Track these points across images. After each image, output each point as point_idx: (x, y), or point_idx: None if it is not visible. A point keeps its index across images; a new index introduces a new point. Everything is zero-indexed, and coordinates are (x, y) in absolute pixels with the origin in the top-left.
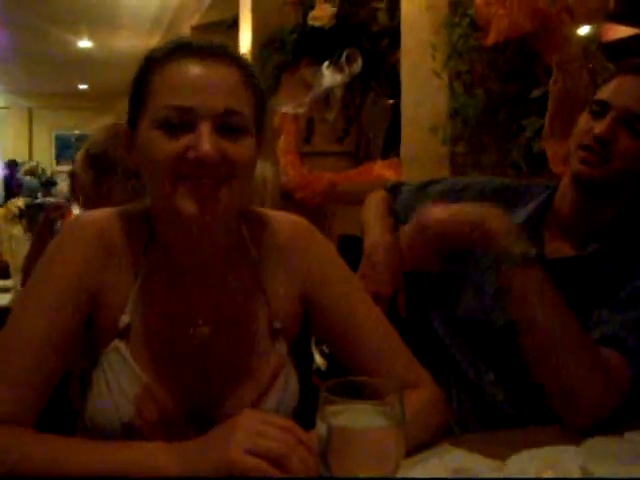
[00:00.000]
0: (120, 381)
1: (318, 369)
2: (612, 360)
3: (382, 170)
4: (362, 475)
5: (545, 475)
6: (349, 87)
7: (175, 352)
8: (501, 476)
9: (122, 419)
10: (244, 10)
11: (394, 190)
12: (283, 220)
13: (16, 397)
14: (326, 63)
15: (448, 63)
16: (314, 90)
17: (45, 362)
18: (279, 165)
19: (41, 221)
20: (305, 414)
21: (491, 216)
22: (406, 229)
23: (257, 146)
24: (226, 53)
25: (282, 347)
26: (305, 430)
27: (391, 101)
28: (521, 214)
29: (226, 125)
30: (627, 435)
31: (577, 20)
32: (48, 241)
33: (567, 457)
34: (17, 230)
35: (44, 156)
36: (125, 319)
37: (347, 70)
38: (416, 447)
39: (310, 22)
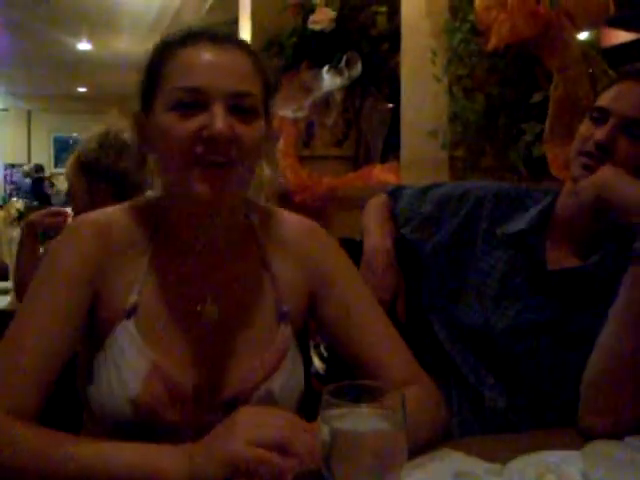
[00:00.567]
0: (128, 359)
1: (317, 373)
2: None
3: (381, 174)
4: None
5: (545, 479)
6: (349, 91)
7: (182, 330)
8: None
9: (130, 396)
10: (243, 13)
11: (395, 194)
12: (293, 217)
13: (23, 389)
14: (326, 67)
15: (448, 68)
16: (314, 94)
17: (50, 355)
18: (278, 168)
19: (23, 229)
20: (307, 417)
21: None
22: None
23: (265, 129)
24: (236, 39)
25: (287, 330)
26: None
27: (390, 105)
28: (522, 220)
29: (237, 106)
30: (627, 440)
31: (577, 25)
32: (32, 250)
33: (568, 461)
34: (16, 233)
35: (43, 158)
36: (132, 299)
37: (347, 74)
38: (414, 443)
39: (310, 26)
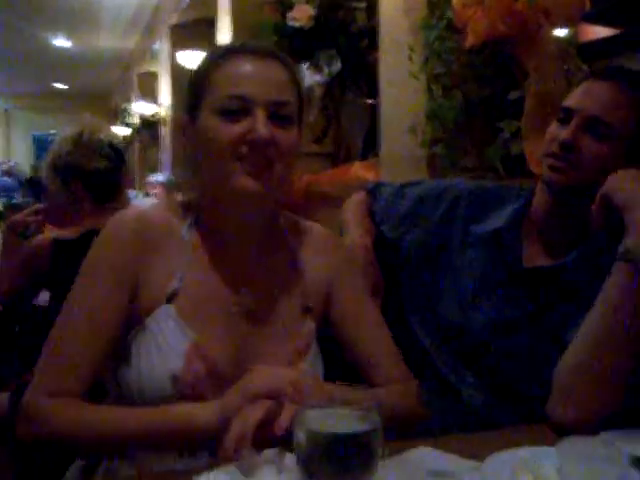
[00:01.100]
0: (168, 338)
1: None
2: None
3: (361, 171)
4: None
5: (522, 475)
6: (328, 88)
7: (218, 316)
8: (478, 476)
9: (172, 371)
10: (222, 10)
11: (373, 192)
12: (314, 225)
13: (67, 374)
14: (305, 64)
15: (426, 65)
16: None
17: (95, 342)
18: None
19: (5, 231)
20: None
21: None
22: None
23: (299, 136)
24: (275, 53)
25: (311, 324)
26: None
27: (370, 101)
28: (498, 218)
29: (276, 113)
30: (602, 435)
31: (554, 23)
32: (14, 249)
33: (543, 457)
34: None
35: (22, 157)
36: (173, 285)
37: (326, 70)
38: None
39: (289, 22)
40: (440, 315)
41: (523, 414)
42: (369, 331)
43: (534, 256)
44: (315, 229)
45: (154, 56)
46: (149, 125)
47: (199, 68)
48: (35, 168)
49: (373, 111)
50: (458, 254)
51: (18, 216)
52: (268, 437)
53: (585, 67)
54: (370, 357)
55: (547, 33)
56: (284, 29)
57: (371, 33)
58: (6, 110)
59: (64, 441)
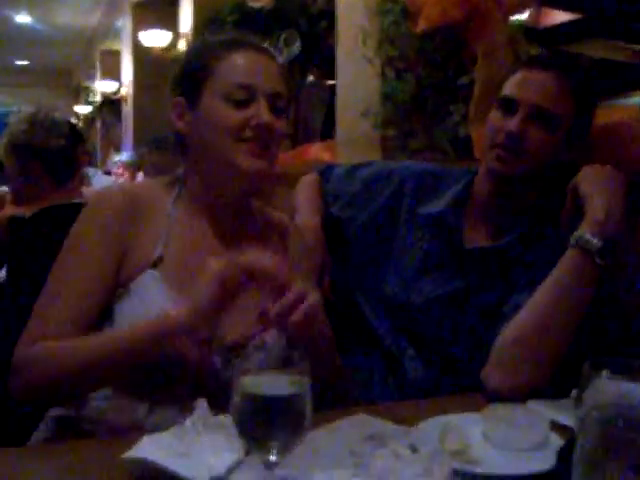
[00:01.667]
0: (153, 298)
1: None
2: None
3: (318, 152)
4: None
5: (448, 438)
6: (288, 69)
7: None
8: (407, 440)
9: None
10: None
11: (325, 173)
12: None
13: (60, 324)
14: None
15: (380, 49)
16: None
17: (87, 296)
18: None
19: None
20: None
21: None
22: None
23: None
24: (271, 50)
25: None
26: None
27: (330, 82)
28: (441, 201)
29: (274, 104)
30: (529, 403)
31: (505, 9)
32: None
33: (470, 423)
34: None
35: None
36: (157, 252)
37: (285, 52)
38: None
39: (249, 3)
40: (385, 292)
41: (462, 385)
42: None
43: (475, 237)
44: (277, 216)
45: (117, 34)
46: (112, 103)
47: (198, 56)
48: None
49: (333, 92)
50: (404, 234)
51: None
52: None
53: (534, 52)
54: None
55: (497, 19)
56: (245, 10)
57: (331, 15)
58: None
59: (53, 378)
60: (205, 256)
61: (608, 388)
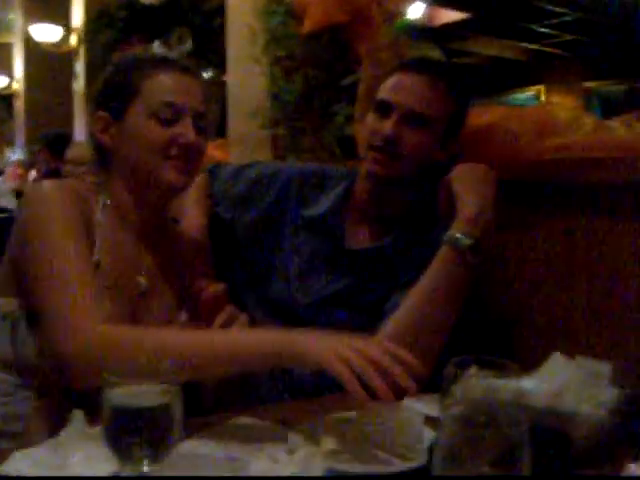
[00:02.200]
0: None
1: None
2: None
3: (212, 151)
4: None
5: (325, 439)
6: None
7: (124, 292)
8: (286, 443)
9: None
10: None
11: (213, 172)
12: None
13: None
14: (157, 41)
15: (267, 48)
16: None
17: (92, 282)
18: None
19: None
20: None
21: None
22: None
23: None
24: (196, 70)
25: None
26: None
27: (225, 79)
28: (325, 202)
29: (198, 123)
30: (406, 400)
31: (387, 12)
32: None
33: (347, 422)
34: None
35: None
36: (95, 256)
37: (178, 49)
38: None
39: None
40: (270, 293)
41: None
42: None
43: (357, 238)
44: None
45: (8, 27)
46: (3, 98)
47: (124, 73)
48: None
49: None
50: (289, 236)
51: None
52: None
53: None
54: None
55: (379, 21)
56: (135, 6)
57: (224, 12)
58: None
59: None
60: (128, 269)
61: (473, 385)
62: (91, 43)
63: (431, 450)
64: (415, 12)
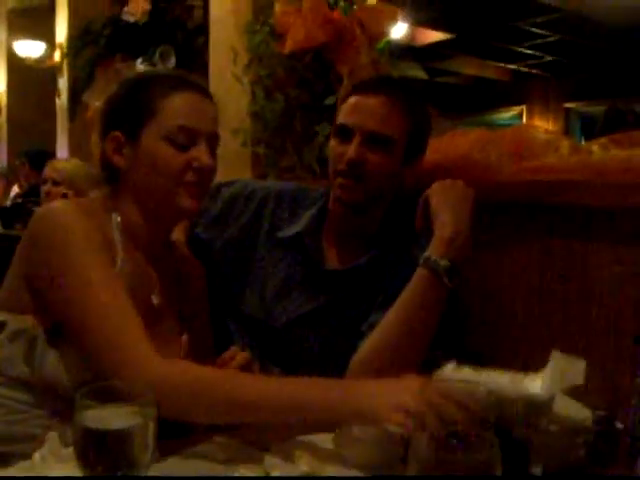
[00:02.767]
0: None
1: None
2: None
3: None
4: None
5: (300, 458)
6: None
7: (140, 309)
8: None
9: None
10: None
11: None
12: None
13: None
14: (140, 59)
15: (250, 68)
16: None
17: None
18: (93, 160)
19: None
20: None
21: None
22: None
23: None
24: (208, 90)
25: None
26: None
27: None
28: (299, 222)
29: (212, 146)
30: None
31: (368, 33)
32: None
33: (324, 442)
34: None
35: None
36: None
37: (161, 66)
38: None
39: (124, 17)
40: (245, 313)
41: None
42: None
43: (333, 258)
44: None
45: None
46: None
47: (140, 92)
48: None
49: None
50: (264, 255)
51: None
52: None
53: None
54: None
55: (361, 42)
56: (119, 23)
57: (207, 31)
58: None
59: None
60: (144, 286)
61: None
62: (74, 59)
63: None
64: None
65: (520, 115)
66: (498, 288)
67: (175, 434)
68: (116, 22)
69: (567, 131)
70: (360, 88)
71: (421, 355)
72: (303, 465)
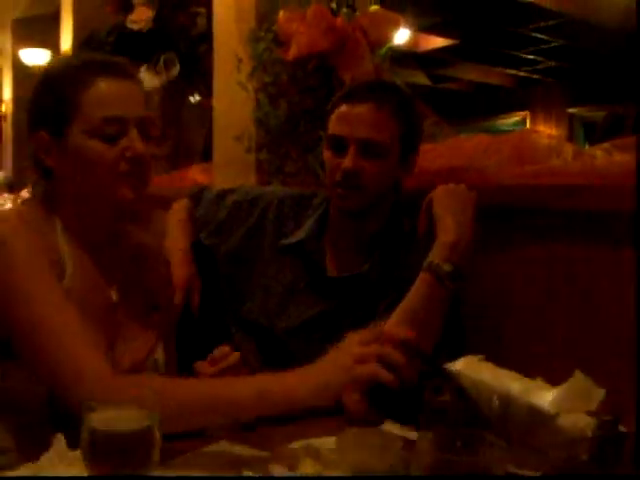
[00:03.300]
0: None
1: None
2: None
3: (196, 175)
4: None
5: (303, 463)
6: (167, 91)
7: (95, 309)
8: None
9: None
10: (65, 7)
11: (196, 197)
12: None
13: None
14: (144, 66)
15: (253, 74)
16: None
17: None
18: None
19: None
20: None
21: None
22: None
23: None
24: (132, 70)
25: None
26: None
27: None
28: (302, 229)
29: (145, 130)
30: (385, 426)
31: (371, 40)
32: None
33: (326, 446)
34: None
35: None
36: (66, 284)
37: (165, 74)
38: None
39: (128, 25)
40: (249, 318)
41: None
42: None
43: (335, 265)
44: (148, 238)
45: None
46: None
47: (59, 87)
48: None
49: None
50: (268, 261)
51: None
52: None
53: (399, 82)
54: None
55: (364, 49)
56: (124, 31)
57: (211, 38)
58: None
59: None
60: (95, 287)
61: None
62: None
63: None
64: (400, 38)
65: (523, 121)
66: (500, 292)
67: (180, 436)
68: (120, 30)
69: (571, 137)
70: (348, 96)
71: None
72: (307, 469)
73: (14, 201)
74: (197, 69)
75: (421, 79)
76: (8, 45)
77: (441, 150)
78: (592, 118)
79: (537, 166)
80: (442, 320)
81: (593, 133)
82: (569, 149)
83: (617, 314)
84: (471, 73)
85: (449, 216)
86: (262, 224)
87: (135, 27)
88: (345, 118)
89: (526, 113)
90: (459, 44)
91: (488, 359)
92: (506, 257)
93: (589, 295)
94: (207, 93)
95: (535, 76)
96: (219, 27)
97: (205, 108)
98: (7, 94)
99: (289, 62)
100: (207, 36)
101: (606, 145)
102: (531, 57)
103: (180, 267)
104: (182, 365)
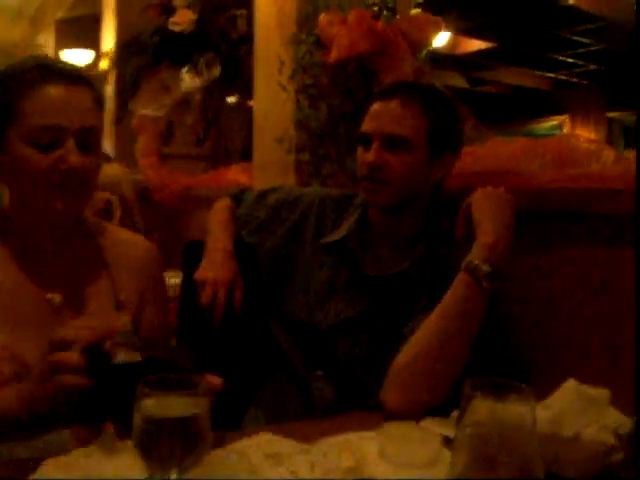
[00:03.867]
0: None
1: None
2: None
3: (236, 175)
4: None
5: (343, 456)
6: (208, 91)
7: (30, 317)
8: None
9: None
10: (107, 9)
11: (237, 198)
12: (130, 233)
13: None
14: (185, 67)
15: (294, 77)
16: (173, 93)
17: None
18: (137, 166)
19: None
20: None
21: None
22: None
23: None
24: (81, 77)
25: (125, 318)
26: None
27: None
28: (342, 228)
29: (85, 140)
30: (424, 420)
31: (411, 43)
32: None
33: (366, 440)
34: None
35: None
36: None
37: (206, 75)
38: None
39: (170, 27)
40: (290, 315)
41: (369, 403)
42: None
43: (375, 263)
44: (127, 235)
45: (37, 50)
46: None
47: (2, 90)
48: None
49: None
50: (309, 259)
51: None
52: None
53: (437, 84)
54: None
55: (404, 52)
56: (166, 32)
57: (251, 41)
58: None
59: None
60: (33, 292)
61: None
62: (121, 68)
63: None
64: (440, 41)
65: (560, 125)
66: (538, 294)
67: (223, 426)
68: (163, 31)
69: (610, 141)
70: (379, 95)
71: (462, 360)
72: (348, 461)
73: None
74: (237, 71)
75: (459, 82)
76: (51, 45)
77: (480, 153)
78: (631, 122)
79: (577, 170)
80: (480, 321)
81: (633, 137)
82: (609, 153)
83: None
84: (509, 76)
85: (488, 218)
86: (304, 223)
87: (177, 29)
88: (372, 115)
89: (564, 117)
90: (498, 47)
91: (525, 360)
92: (544, 260)
93: (628, 299)
94: (246, 94)
95: (574, 79)
96: (261, 31)
97: (244, 109)
98: None
99: (329, 65)
100: (247, 38)
101: None
102: (570, 60)
103: (222, 266)
104: (226, 363)
